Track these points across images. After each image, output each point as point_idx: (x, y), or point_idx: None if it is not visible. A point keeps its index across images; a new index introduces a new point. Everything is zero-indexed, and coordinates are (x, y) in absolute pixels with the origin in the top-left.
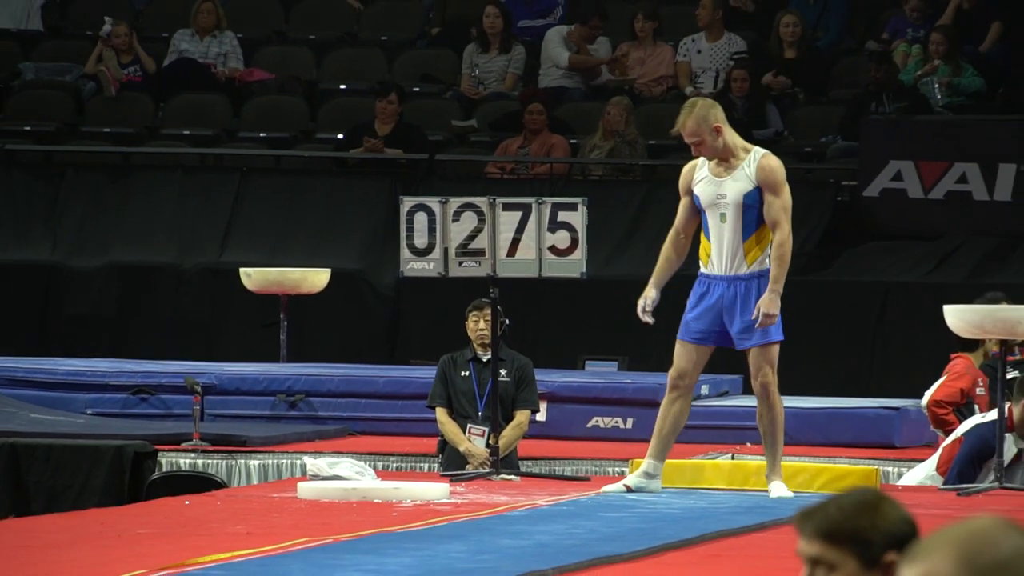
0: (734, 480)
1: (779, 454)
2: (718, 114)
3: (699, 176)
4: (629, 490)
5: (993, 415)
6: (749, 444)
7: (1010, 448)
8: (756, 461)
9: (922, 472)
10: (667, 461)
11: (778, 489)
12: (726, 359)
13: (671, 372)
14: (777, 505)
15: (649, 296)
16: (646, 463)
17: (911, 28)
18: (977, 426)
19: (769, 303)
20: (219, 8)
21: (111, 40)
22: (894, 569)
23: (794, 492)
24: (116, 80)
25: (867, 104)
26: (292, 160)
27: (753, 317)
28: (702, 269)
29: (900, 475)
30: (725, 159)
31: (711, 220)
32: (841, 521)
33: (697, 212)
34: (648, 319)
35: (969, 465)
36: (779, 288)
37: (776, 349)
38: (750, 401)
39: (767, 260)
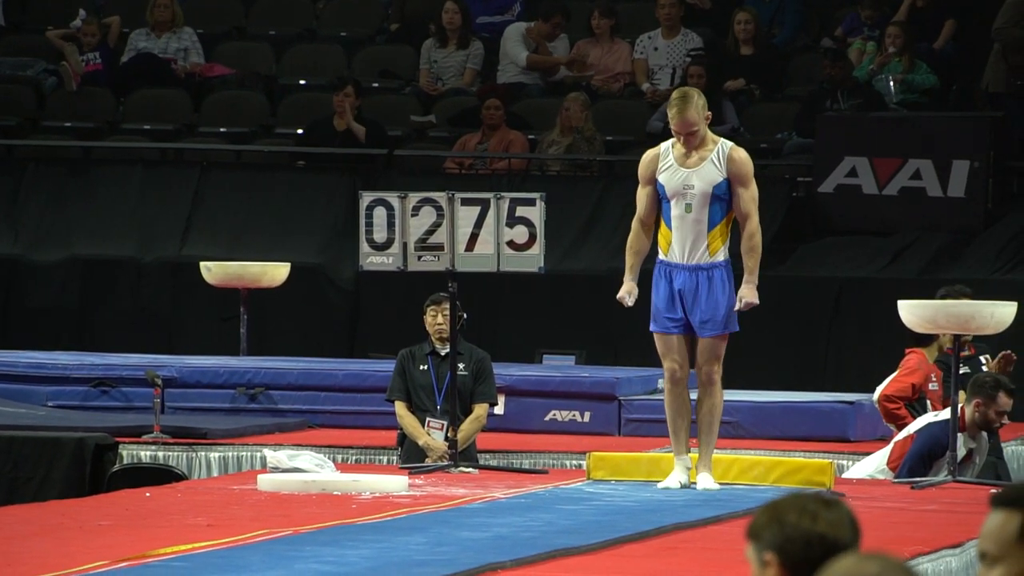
0: (691, 473)
1: (712, 445)
2: (706, 103)
3: (663, 164)
4: (684, 487)
5: (946, 414)
6: None
7: (960, 448)
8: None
9: (872, 465)
10: (623, 455)
11: (705, 481)
12: None
13: (667, 366)
14: (731, 498)
15: (633, 292)
16: (680, 460)
17: (866, 27)
18: (929, 425)
19: (751, 294)
20: (176, 4)
21: (78, 33)
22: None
23: (748, 484)
24: (77, 75)
25: (822, 101)
26: (252, 155)
27: (737, 308)
28: (661, 256)
29: None
30: (695, 148)
31: (675, 209)
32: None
33: (658, 201)
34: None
35: (919, 462)
36: (755, 279)
37: (726, 341)
38: None
39: (727, 250)
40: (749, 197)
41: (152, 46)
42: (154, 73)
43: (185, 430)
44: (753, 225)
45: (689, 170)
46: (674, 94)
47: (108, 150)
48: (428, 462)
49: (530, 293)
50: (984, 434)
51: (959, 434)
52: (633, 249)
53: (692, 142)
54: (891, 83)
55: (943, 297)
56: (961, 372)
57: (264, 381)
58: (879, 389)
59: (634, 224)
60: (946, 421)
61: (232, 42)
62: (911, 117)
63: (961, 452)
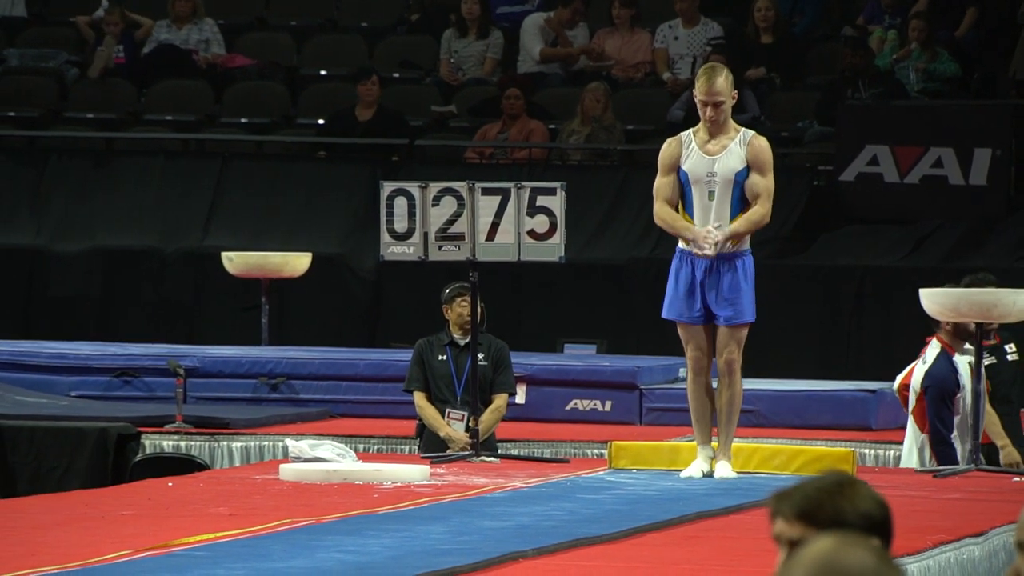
0: (713, 462)
1: (732, 434)
2: (733, 81)
3: (687, 152)
4: (706, 475)
5: (931, 353)
6: None
7: (963, 373)
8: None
9: (911, 443)
10: (645, 443)
11: (723, 469)
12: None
13: (689, 355)
14: (753, 487)
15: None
16: (702, 449)
17: (887, 15)
18: (928, 375)
19: (720, 235)
20: None
21: (101, 22)
22: None
23: (769, 473)
24: (103, 65)
25: (843, 89)
26: (273, 145)
27: (706, 233)
28: (681, 246)
29: (876, 457)
30: (717, 135)
31: (697, 197)
32: (822, 502)
33: (681, 188)
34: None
35: (942, 407)
36: (734, 233)
37: (747, 329)
38: None
39: (748, 240)
40: (764, 184)
41: (173, 37)
42: (176, 64)
43: (207, 420)
44: (764, 207)
45: (712, 157)
46: (703, 67)
47: (130, 141)
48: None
49: (551, 282)
50: (966, 345)
51: (959, 356)
52: (671, 213)
53: (717, 118)
54: (912, 72)
55: (968, 285)
56: (987, 363)
57: (286, 371)
58: (899, 378)
59: (658, 204)
60: (936, 360)
61: (253, 33)
62: (932, 105)
63: (966, 376)
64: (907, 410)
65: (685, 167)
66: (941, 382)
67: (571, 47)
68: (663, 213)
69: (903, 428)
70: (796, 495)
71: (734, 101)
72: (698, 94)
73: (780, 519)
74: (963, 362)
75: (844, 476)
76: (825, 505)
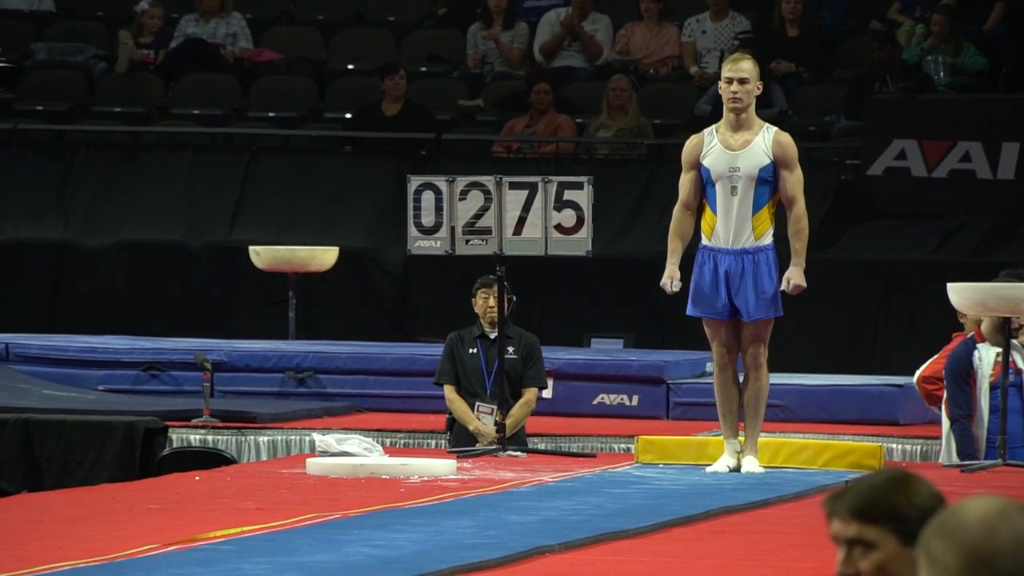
0: (740, 457)
1: (758, 429)
2: (760, 74)
3: (708, 148)
4: (733, 471)
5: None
6: None
7: (986, 359)
8: (760, 438)
9: (945, 435)
10: (671, 438)
11: (750, 464)
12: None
13: (714, 350)
14: (780, 482)
15: (676, 277)
16: (729, 444)
17: (919, 7)
18: (948, 359)
19: (799, 276)
20: None
21: (143, 18)
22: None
23: (796, 468)
24: (129, 60)
25: (871, 83)
26: (300, 139)
27: (784, 289)
28: (704, 242)
29: (904, 452)
30: (740, 129)
31: (720, 193)
32: (877, 498)
33: (702, 185)
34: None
35: (955, 386)
36: (802, 261)
37: (772, 324)
38: None
39: (773, 234)
40: (795, 180)
41: (201, 31)
42: (203, 58)
43: (234, 414)
44: (800, 209)
45: (735, 153)
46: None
47: (157, 135)
48: (479, 447)
49: (578, 277)
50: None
51: (980, 345)
52: (676, 233)
53: (741, 97)
54: (942, 68)
55: (1003, 280)
56: None
57: (313, 365)
58: (918, 372)
59: (676, 210)
60: (958, 345)
61: (281, 27)
62: (960, 99)
63: (988, 363)
64: (928, 403)
65: (705, 162)
66: (953, 361)
67: (587, 36)
68: (672, 225)
69: (930, 423)
70: (850, 494)
71: (759, 92)
72: (723, 74)
73: (836, 519)
74: (987, 356)
75: (898, 472)
76: (880, 501)
